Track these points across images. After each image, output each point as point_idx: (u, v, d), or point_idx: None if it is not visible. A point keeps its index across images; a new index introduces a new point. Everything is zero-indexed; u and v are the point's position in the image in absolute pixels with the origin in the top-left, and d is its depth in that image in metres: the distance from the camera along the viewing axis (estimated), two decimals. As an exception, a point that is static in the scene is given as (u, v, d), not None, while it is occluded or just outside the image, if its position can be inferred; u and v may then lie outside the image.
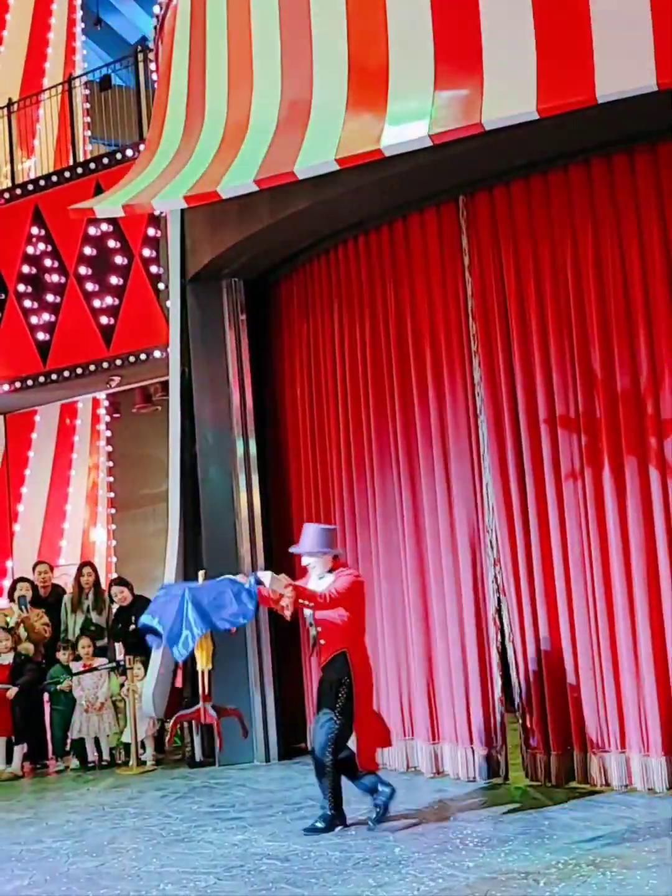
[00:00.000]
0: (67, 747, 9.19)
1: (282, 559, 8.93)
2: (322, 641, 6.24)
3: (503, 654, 7.13)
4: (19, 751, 9.12)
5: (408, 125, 6.22)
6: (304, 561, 6.43)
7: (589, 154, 6.83)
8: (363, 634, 6.39)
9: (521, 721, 7.06)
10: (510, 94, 5.93)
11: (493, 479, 7.20)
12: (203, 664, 6.12)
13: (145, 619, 6.35)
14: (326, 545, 6.33)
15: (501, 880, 5.06)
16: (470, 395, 7.36)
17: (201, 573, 6.67)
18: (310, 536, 6.36)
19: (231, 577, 6.38)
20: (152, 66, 10.77)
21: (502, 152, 6.76)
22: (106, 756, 9.09)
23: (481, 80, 6.03)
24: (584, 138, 6.67)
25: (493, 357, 7.24)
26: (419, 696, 7.60)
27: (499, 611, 7.16)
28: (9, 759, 9.08)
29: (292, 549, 6.51)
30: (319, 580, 6.33)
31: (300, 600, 6.06)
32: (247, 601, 6.08)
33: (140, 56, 11.36)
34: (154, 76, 10.36)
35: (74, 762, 9.11)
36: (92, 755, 9.10)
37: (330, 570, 6.33)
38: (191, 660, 6.43)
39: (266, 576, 6.13)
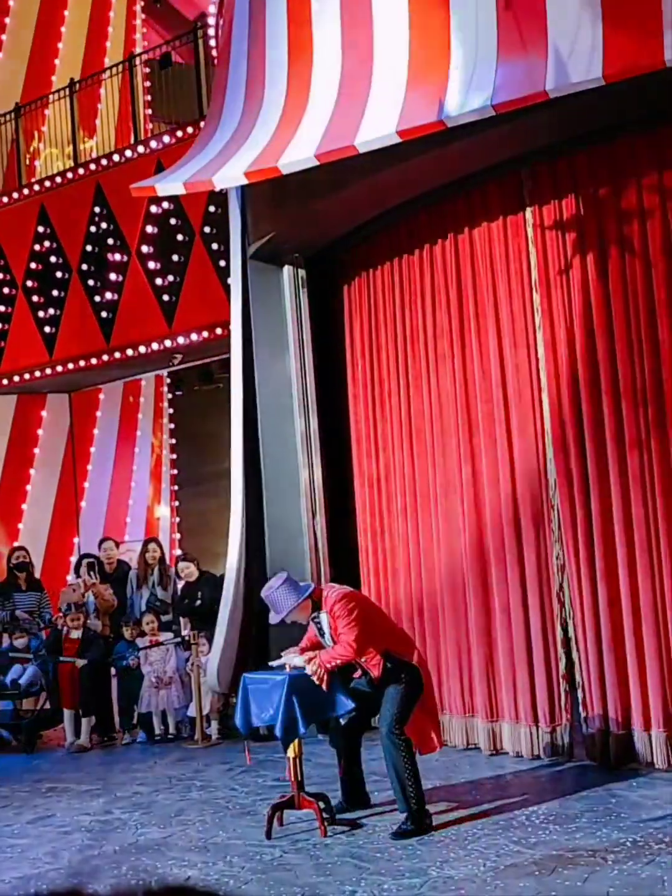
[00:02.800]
0: (134, 720, 9.32)
1: (343, 533, 8.96)
2: (370, 671, 6.00)
3: (565, 631, 7.07)
4: (87, 723, 9.27)
5: (470, 95, 6.14)
6: (289, 621, 6.14)
7: (656, 121, 6.68)
8: (392, 632, 6.16)
9: (582, 699, 7.00)
10: (575, 61, 5.83)
11: (555, 454, 7.11)
12: (294, 751, 5.99)
13: (244, 720, 6.13)
14: (294, 597, 5.98)
15: (568, 857, 5.03)
16: (533, 367, 7.27)
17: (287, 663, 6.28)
18: (276, 601, 6.00)
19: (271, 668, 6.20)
20: (212, 42, 10.76)
21: (567, 121, 6.63)
22: (172, 729, 9.21)
23: (545, 47, 5.93)
24: (652, 105, 6.52)
25: (556, 330, 7.14)
26: (479, 674, 7.57)
27: (561, 588, 7.09)
28: (77, 732, 9.23)
29: (273, 622, 6.18)
30: (315, 624, 6.09)
31: (329, 667, 5.84)
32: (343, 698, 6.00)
33: (199, 33, 11.34)
34: (214, 53, 10.34)
35: (141, 735, 9.24)
36: (158, 728, 9.22)
37: (314, 608, 6.05)
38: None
39: (296, 659, 5.99)
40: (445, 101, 6.28)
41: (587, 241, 7.01)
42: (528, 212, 7.27)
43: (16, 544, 11.36)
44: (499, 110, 6.05)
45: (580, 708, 7.02)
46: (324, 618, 6.03)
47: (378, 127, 6.52)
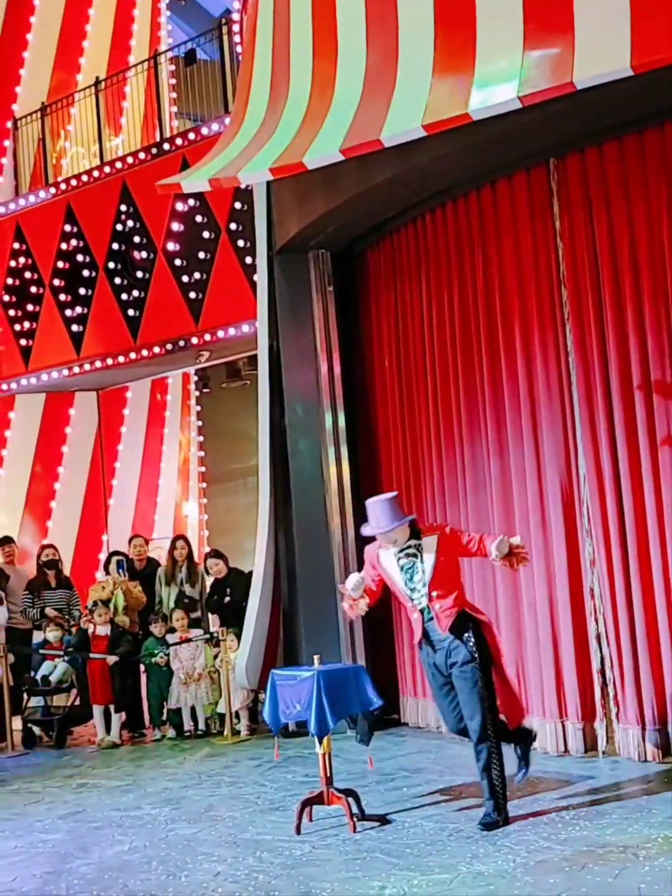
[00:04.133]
0: (164, 717, 9.35)
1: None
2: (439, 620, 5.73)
3: (597, 626, 7.01)
4: (118, 719, 9.30)
5: (496, 87, 6.09)
6: (385, 539, 5.78)
7: (685, 111, 6.61)
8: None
9: (613, 695, 6.94)
10: (603, 51, 5.76)
11: (585, 449, 7.06)
12: (324, 748, 5.95)
13: (274, 716, 6.07)
14: (401, 515, 5.74)
15: (599, 853, 4.99)
16: (562, 362, 7.22)
17: (316, 657, 6.17)
18: (383, 513, 5.72)
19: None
20: (237, 38, 10.76)
21: (595, 112, 6.57)
22: (202, 726, 9.23)
23: (572, 38, 5.87)
24: (681, 94, 6.45)
25: (585, 324, 7.08)
26: (509, 669, 7.49)
27: (592, 583, 7.04)
28: (108, 728, 9.27)
29: (364, 532, 5.90)
30: (406, 553, 5.76)
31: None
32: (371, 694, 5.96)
33: (224, 29, 11.34)
34: (238, 49, 10.34)
35: (171, 731, 9.26)
36: (188, 725, 9.25)
37: (412, 536, 5.76)
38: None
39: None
40: (471, 94, 6.23)
41: (616, 234, 6.94)
42: (556, 204, 7.21)
43: (45, 542, 11.42)
44: (525, 102, 6.00)
45: (612, 703, 6.97)
46: (428, 543, 5.72)
47: (404, 120, 6.49)
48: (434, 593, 5.71)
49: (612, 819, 5.56)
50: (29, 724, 9.64)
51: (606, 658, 6.97)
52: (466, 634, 5.69)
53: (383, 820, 5.92)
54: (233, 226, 10.77)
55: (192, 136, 11.05)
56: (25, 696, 9.64)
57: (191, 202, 11.02)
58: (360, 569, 8.76)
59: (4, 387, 12.45)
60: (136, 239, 11.42)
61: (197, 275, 11.05)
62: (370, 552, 5.95)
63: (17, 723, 9.65)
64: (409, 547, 5.77)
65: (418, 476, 8.42)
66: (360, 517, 8.86)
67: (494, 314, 7.60)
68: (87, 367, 11.92)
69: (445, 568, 5.73)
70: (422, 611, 5.76)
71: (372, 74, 6.83)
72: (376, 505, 5.77)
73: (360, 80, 6.90)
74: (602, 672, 7.00)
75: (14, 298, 12.29)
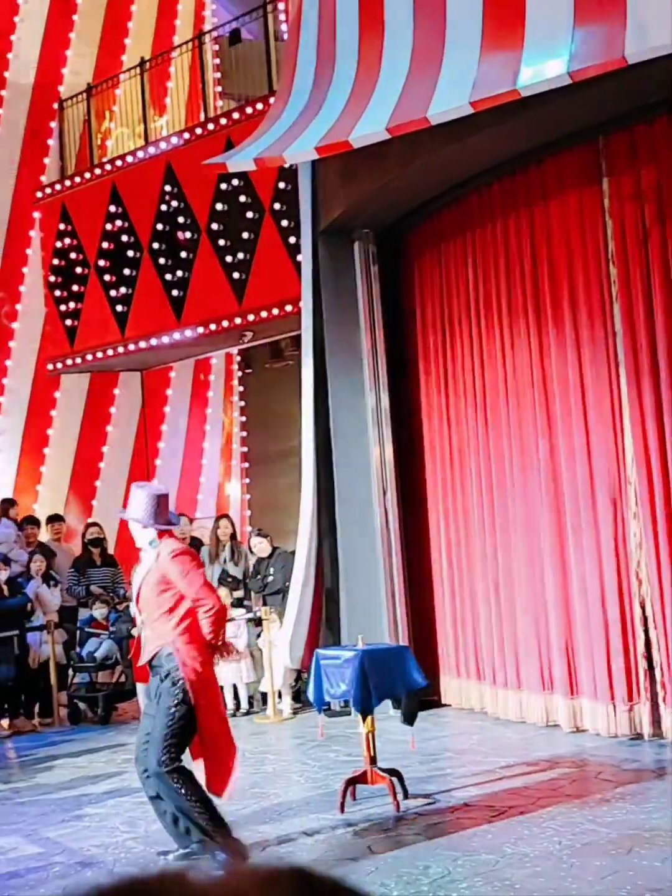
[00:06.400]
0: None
1: (414, 510, 8.91)
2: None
3: (643, 608, 6.96)
4: (160, 697, 9.37)
5: (546, 63, 6.02)
6: (132, 527, 5.22)
7: (738, 86, 6.49)
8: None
9: (660, 678, 6.89)
10: (654, 25, 5.67)
11: (633, 430, 6.99)
12: (368, 727, 5.94)
13: (318, 695, 6.02)
14: (154, 514, 5.12)
15: (645, 837, 4.96)
16: (610, 342, 7.14)
17: (360, 637, 6.14)
18: (141, 504, 5.15)
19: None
20: (281, 17, 10.70)
21: (645, 88, 6.47)
22: (244, 704, 9.28)
23: (624, 12, 5.78)
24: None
25: (634, 303, 7.00)
26: (558, 650, 7.49)
27: (639, 564, 6.98)
28: (151, 706, 9.34)
29: (118, 515, 5.38)
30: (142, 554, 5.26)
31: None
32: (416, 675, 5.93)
33: (269, 8, 11.28)
34: (283, 27, 10.29)
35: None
36: (230, 703, 9.30)
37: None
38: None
39: None
40: (520, 70, 6.16)
41: (666, 212, 6.84)
42: (605, 182, 7.12)
43: (90, 520, 11.52)
44: (575, 78, 5.92)
45: (659, 686, 6.91)
46: (150, 554, 5.13)
47: (451, 98, 6.43)
48: (143, 615, 5.16)
49: (659, 803, 5.52)
50: (75, 700, 9.75)
51: (653, 641, 6.91)
52: (167, 675, 4.98)
53: (427, 800, 5.93)
54: (277, 206, 10.73)
55: (236, 116, 11.01)
56: (71, 672, 9.75)
57: (235, 182, 11.00)
58: (402, 545, 8.78)
59: (50, 367, 12.54)
60: (180, 219, 11.43)
61: (241, 255, 11.03)
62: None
63: (63, 699, 9.76)
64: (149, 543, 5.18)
65: (463, 457, 8.37)
66: (404, 496, 8.89)
67: (542, 293, 7.53)
68: (131, 347, 11.97)
69: (156, 590, 5.02)
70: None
71: (419, 51, 6.77)
72: (141, 492, 5.22)
73: (407, 57, 6.84)
74: (648, 655, 6.95)
75: (60, 279, 12.36)
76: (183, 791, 4.94)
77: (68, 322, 12.37)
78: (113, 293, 11.95)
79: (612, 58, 5.79)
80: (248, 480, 14.72)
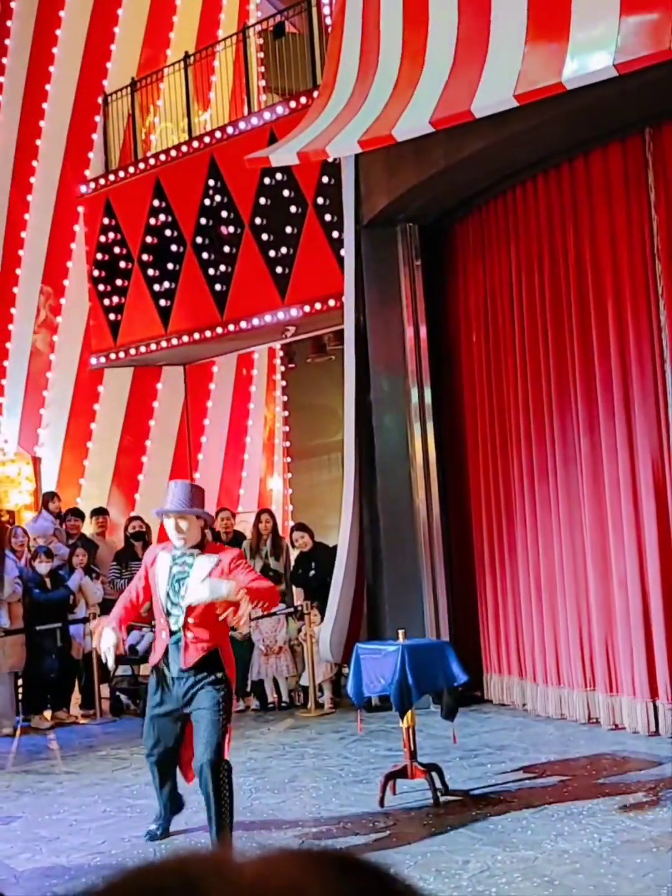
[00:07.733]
0: (247, 688, 9.45)
1: (456, 505, 8.88)
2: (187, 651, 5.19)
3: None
4: (202, 690, 9.41)
5: (591, 55, 5.96)
6: (174, 526, 5.27)
7: None
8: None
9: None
10: (703, 16, 5.60)
11: (678, 426, 6.92)
12: (408, 722, 5.92)
13: (358, 690, 6.01)
14: (200, 508, 5.34)
15: (688, 836, 4.92)
16: (655, 337, 7.07)
17: (401, 632, 6.13)
18: (181, 493, 5.35)
19: None
20: (326, 10, 10.68)
21: (693, 79, 6.39)
22: (284, 698, 9.30)
23: (670, 3, 5.70)
24: None
25: (680, 297, 6.92)
26: (599, 647, 7.43)
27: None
28: (192, 698, 9.39)
29: (154, 512, 5.53)
30: (183, 560, 5.25)
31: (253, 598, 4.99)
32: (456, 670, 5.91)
33: (313, 1, 11.27)
34: (327, 21, 10.27)
35: (254, 703, 9.36)
36: (271, 697, 9.33)
37: (197, 546, 5.27)
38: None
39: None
40: (565, 63, 6.11)
41: (713, 205, 6.76)
42: (651, 174, 7.04)
43: (133, 514, 11.59)
44: (621, 70, 5.86)
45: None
46: (204, 561, 5.19)
47: (495, 91, 6.39)
48: (191, 619, 5.16)
49: (701, 802, 5.47)
50: (117, 693, 9.83)
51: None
52: (215, 675, 5.12)
53: (467, 795, 5.91)
54: (320, 200, 10.73)
55: (280, 110, 11.02)
56: (113, 665, 9.83)
57: (278, 176, 11.01)
58: (444, 541, 8.73)
59: (93, 361, 12.64)
60: (224, 214, 11.46)
61: (284, 249, 11.04)
62: (151, 552, 5.53)
63: (105, 691, 9.84)
64: (189, 554, 5.23)
65: (506, 452, 8.33)
66: (447, 491, 8.86)
67: (586, 288, 7.46)
68: (174, 341, 12.03)
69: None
70: (172, 632, 5.22)
71: (463, 44, 6.74)
72: (177, 486, 5.43)
73: (452, 49, 6.81)
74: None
75: (104, 273, 12.45)
76: (230, 786, 5.14)
77: (112, 316, 12.46)
78: (156, 288, 12.01)
79: (659, 49, 5.73)
80: (289, 475, 14.74)
